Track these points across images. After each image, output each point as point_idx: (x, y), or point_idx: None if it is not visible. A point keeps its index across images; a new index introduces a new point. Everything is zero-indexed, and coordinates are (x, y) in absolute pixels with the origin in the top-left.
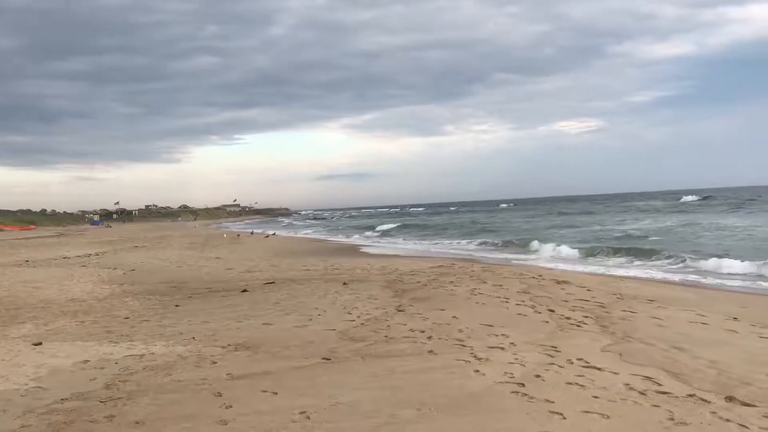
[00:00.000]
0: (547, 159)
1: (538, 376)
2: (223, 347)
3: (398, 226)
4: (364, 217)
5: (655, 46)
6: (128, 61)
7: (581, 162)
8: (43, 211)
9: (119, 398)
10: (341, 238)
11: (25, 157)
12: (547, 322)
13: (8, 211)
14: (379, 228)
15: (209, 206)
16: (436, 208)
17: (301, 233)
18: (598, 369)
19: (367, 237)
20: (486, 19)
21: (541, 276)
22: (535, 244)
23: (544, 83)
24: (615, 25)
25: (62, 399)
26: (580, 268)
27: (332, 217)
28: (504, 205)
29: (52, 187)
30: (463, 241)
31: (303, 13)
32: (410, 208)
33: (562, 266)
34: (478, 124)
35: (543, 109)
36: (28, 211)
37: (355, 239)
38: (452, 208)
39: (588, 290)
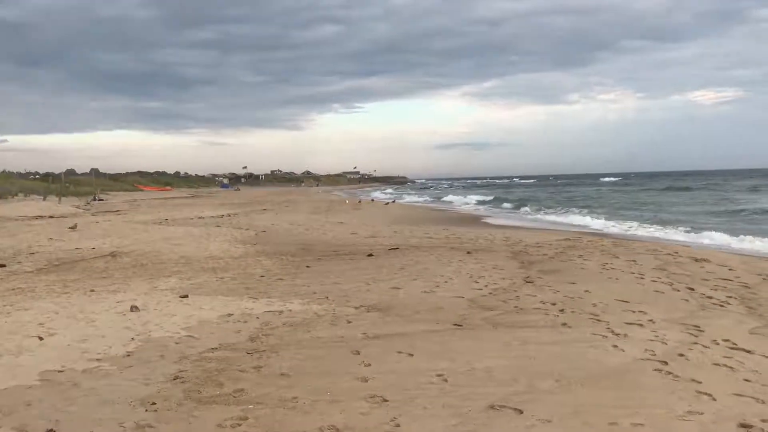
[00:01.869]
0: (678, 130)
1: (681, 355)
2: (355, 308)
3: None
4: (466, 187)
5: None
6: (254, 31)
7: (716, 134)
8: (177, 173)
9: (264, 351)
10: (453, 207)
11: (161, 121)
12: (687, 300)
13: (146, 173)
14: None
15: (330, 173)
16: (548, 180)
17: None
18: (748, 351)
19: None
20: None
21: (677, 253)
22: None
23: (677, 50)
24: None
25: (212, 348)
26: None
27: (435, 187)
28: (607, 179)
29: (184, 150)
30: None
31: None
32: (520, 179)
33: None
34: (605, 92)
35: (675, 77)
36: (164, 173)
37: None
38: (560, 181)
39: (730, 269)
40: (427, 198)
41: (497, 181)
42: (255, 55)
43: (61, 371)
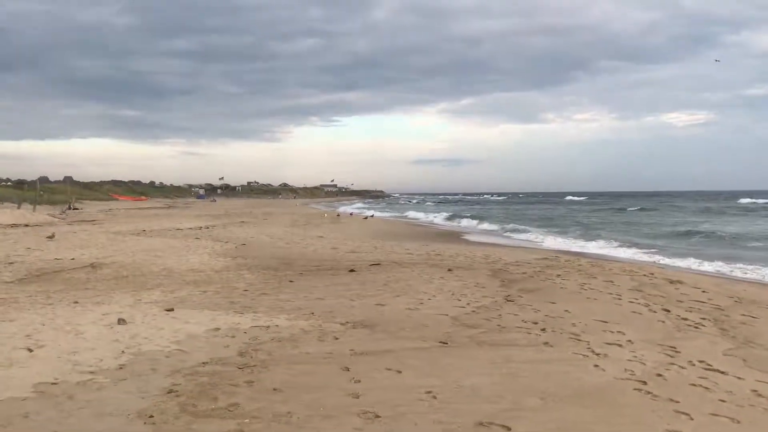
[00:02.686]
0: (650, 152)
1: (659, 375)
2: (341, 324)
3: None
4: (441, 202)
5: None
6: (233, 41)
7: (687, 156)
8: (152, 183)
9: (254, 366)
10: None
11: (136, 130)
12: (663, 321)
13: (121, 182)
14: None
15: (307, 185)
16: (519, 197)
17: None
18: (722, 373)
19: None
20: (591, 5)
21: (652, 274)
22: None
23: (652, 72)
24: (732, 13)
25: (203, 362)
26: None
27: (401, 203)
28: (575, 198)
29: (159, 160)
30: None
31: None
32: (492, 196)
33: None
34: (580, 112)
35: (650, 99)
36: (138, 183)
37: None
38: (533, 199)
39: (703, 291)
40: (396, 213)
41: (468, 197)
42: (233, 66)
43: (55, 383)
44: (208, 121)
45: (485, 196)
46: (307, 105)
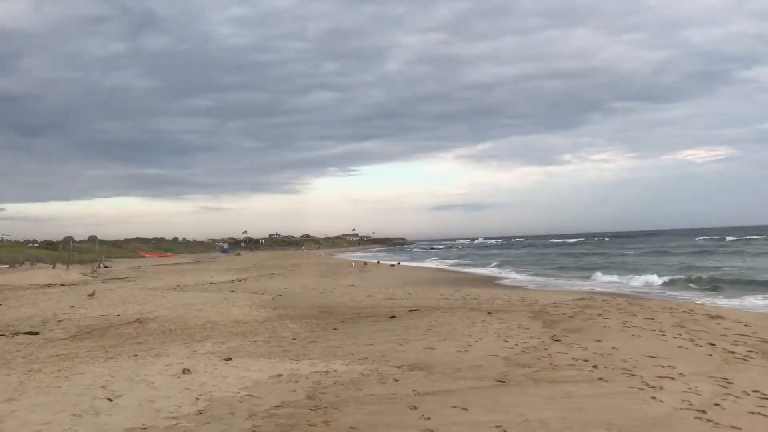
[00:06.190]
0: (670, 189)
1: (717, 404)
2: (397, 367)
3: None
4: (445, 248)
5: None
6: (251, 98)
7: (709, 192)
8: (176, 239)
9: (325, 407)
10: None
11: (158, 188)
12: (711, 355)
13: (145, 239)
14: None
15: (329, 235)
16: (533, 240)
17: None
18: None
19: None
20: (601, 48)
21: (692, 310)
22: None
23: (667, 111)
24: (742, 50)
25: (276, 406)
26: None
27: (423, 249)
28: (572, 240)
29: (182, 216)
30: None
31: (417, 48)
32: (503, 240)
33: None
34: (597, 153)
35: (667, 137)
36: (162, 239)
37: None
38: (519, 239)
39: (746, 325)
40: (420, 261)
41: (491, 241)
42: (252, 121)
43: (144, 429)
44: (229, 176)
45: (493, 241)
46: (325, 156)
